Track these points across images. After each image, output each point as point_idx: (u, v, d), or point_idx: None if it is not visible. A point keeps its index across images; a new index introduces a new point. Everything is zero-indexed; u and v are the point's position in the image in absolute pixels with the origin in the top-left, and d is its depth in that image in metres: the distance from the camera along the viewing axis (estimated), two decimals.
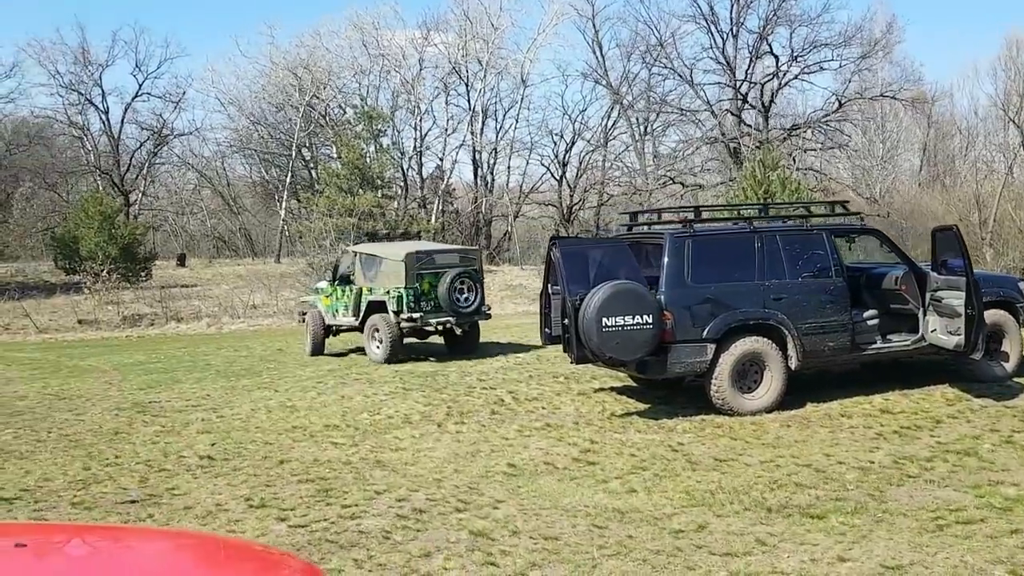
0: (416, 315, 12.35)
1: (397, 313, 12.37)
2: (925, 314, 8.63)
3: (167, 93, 46.03)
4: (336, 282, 13.72)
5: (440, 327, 12.89)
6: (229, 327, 20.49)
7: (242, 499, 6.16)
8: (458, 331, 13.21)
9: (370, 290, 12.92)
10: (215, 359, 14.04)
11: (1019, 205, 34.24)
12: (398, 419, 8.74)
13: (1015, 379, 8.87)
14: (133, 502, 6.17)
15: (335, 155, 33.61)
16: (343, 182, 27.39)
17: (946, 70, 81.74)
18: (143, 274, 30.07)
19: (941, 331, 8.33)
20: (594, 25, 38.94)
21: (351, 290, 13.23)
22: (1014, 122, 35.19)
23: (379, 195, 28.34)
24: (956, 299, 8.00)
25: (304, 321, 14.41)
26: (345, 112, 37.34)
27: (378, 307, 12.69)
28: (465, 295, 12.66)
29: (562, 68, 60.29)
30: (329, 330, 13.78)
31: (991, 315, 8.65)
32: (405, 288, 12.38)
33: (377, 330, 12.59)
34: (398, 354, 12.46)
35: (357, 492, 6.25)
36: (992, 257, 30.46)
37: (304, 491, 6.31)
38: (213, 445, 7.82)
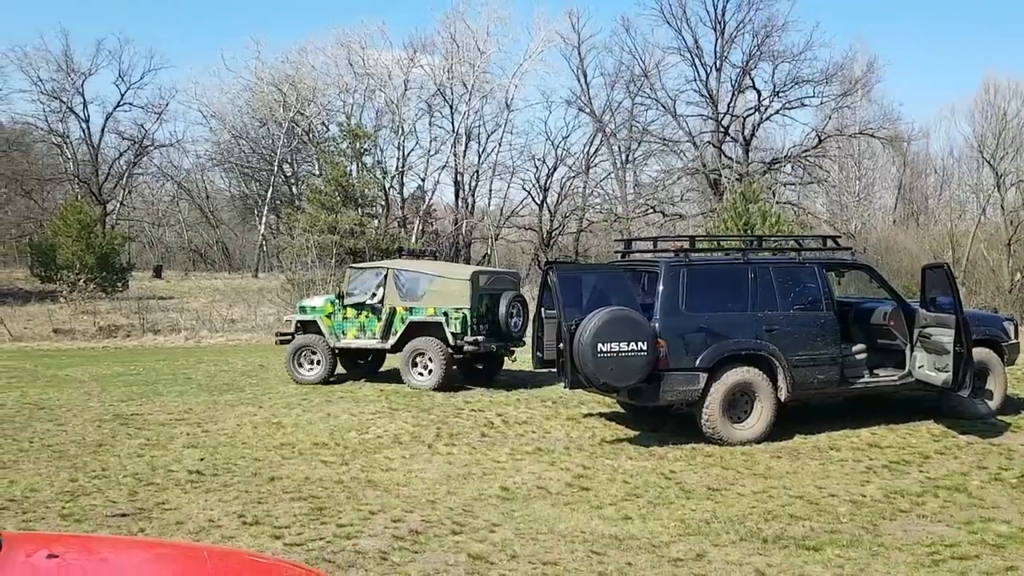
0: (479, 338, 11.76)
1: (457, 336, 11.75)
2: (912, 350, 8.75)
3: (149, 104, 45.86)
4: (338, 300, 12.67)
5: (493, 352, 12.28)
6: (208, 340, 20.28)
7: (235, 515, 6.09)
8: (510, 358, 12.72)
9: (409, 310, 12.14)
10: (195, 373, 13.89)
11: (991, 246, 34.85)
12: (387, 439, 8.69)
13: (999, 417, 9.00)
14: (124, 515, 6.07)
15: (317, 172, 33.55)
16: (325, 199, 27.31)
17: (923, 111, 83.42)
18: (120, 285, 29.75)
19: (929, 367, 8.44)
20: (579, 53, 39.37)
21: (374, 310, 12.31)
22: (989, 163, 35.89)
23: (361, 213, 28.29)
24: (945, 336, 8.12)
25: (283, 342, 13.04)
26: (329, 129, 37.36)
27: (422, 329, 11.99)
28: (514, 319, 12.23)
29: (546, 94, 60.82)
30: (335, 354, 12.59)
31: (977, 353, 8.77)
32: (470, 309, 11.83)
33: (422, 354, 11.81)
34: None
35: (351, 512, 6.19)
36: (965, 296, 30.90)
37: (297, 509, 6.24)
38: (202, 460, 7.72)
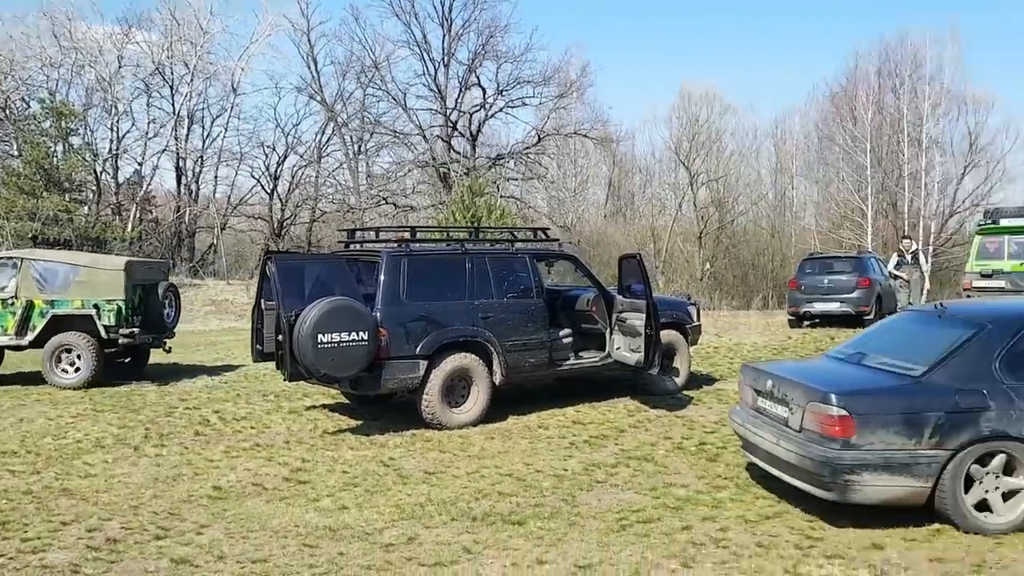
0: (135, 330, 11.27)
1: (110, 328, 11.14)
2: (611, 333, 9.54)
3: None
4: None
5: (149, 344, 11.94)
6: None
7: None
8: (164, 349, 12.31)
9: (51, 303, 11.31)
10: None
11: (686, 239, 38.75)
12: (88, 443, 8.03)
13: (684, 392, 10.06)
14: None
15: (15, 152, 29.99)
16: (24, 182, 24.56)
17: (630, 114, 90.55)
18: None
19: (625, 349, 9.25)
20: (309, 40, 38.41)
21: (4, 304, 11.29)
22: (683, 164, 39.81)
23: (67, 199, 25.75)
24: (638, 320, 8.93)
25: None
26: (29, 106, 33.43)
27: (68, 323, 11.24)
28: (166, 310, 12.00)
29: (276, 80, 58.56)
30: None
31: (665, 335, 9.75)
32: (125, 301, 11.26)
33: (69, 350, 11.14)
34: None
35: (40, 523, 5.67)
36: (664, 283, 34.08)
37: None
38: None
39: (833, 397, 5.35)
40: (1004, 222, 16.19)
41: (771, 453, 5.88)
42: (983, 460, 5.31)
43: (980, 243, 16.44)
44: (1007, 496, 5.34)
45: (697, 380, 10.85)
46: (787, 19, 69.51)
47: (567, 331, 9.77)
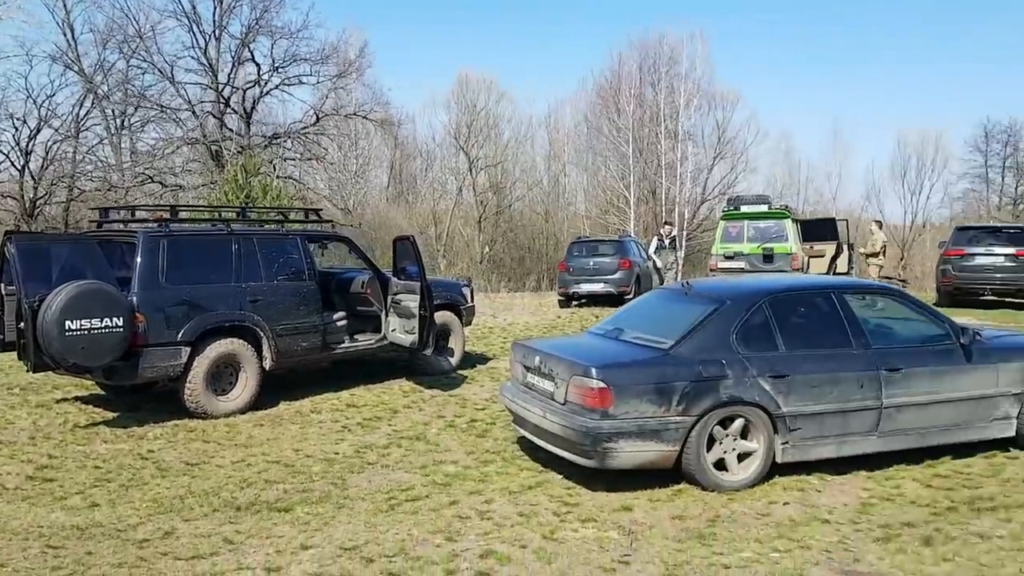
0: None
1: None
2: (387, 315, 9.55)
3: None
4: None
5: None
6: None
7: None
8: None
9: None
10: None
11: (467, 223, 39.41)
12: None
13: (459, 371, 10.27)
14: None
15: None
16: None
17: (411, 97, 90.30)
18: None
19: (400, 330, 9.29)
20: (65, 6, 34.98)
21: None
22: (463, 150, 40.38)
23: None
24: (412, 301, 8.99)
25: None
26: None
27: None
28: None
29: (27, 47, 52.76)
30: None
31: (440, 316, 9.91)
32: None
33: None
34: None
35: None
36: (446, 266, 34.55)
37: None
38: None
39: (593, 371, 5.68)
40: (745, 209, 17.86)
41: (539, 426, 6.15)
42: (723, 424, 5.84)
43: (724, 228, 18.03)
44: (742, 457, 5.92)
45: (472, 359, 11.11)
46: (559, 11, 72.25)
47: (341, 314, 9.66)
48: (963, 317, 8.48)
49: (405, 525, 5.24)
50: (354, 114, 37.97)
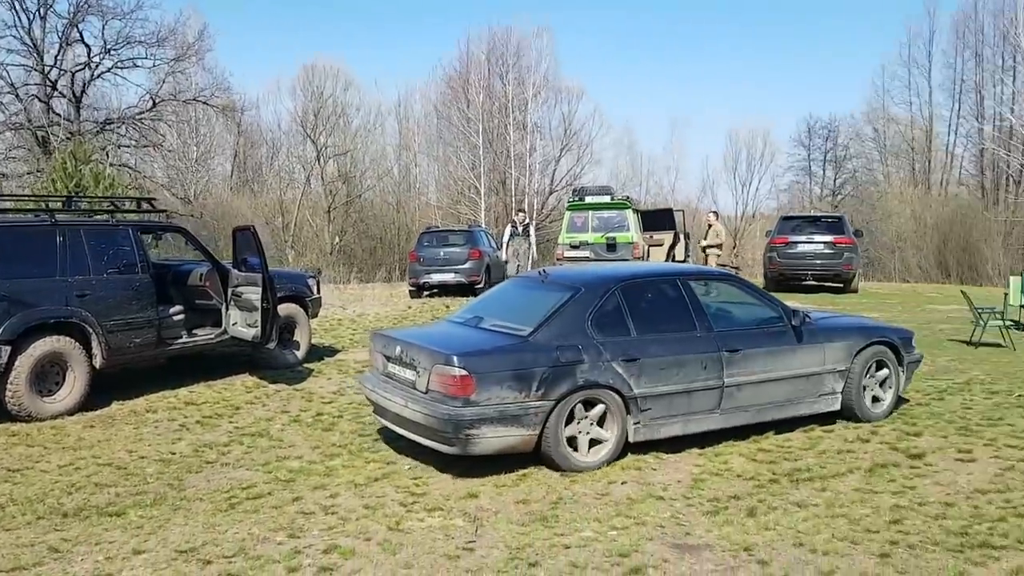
0: None
1: None
2: (228, 309, 9.22)
3: None
4: None
5: None
6: None
7: None
8: None
9: None
10: None
11: (315, 213, 38.57)
12: None
13: (305, 365, 10.06)
14: None
15: None
16: None
17: (254, 83, 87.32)
18: None
19: (241, 324, 9.00)
20: None
21: None
22: (310, 138, 39.44)
23: None
24: (254, 294, 8.72)
25: None
26: None
27: None
28: None
29: None
30: None
31: (285, 308, 9.67)
32: None
33: None
34: None
35: None
36: (294, 257, 33.71)
37: None
38: None
39: (455, 359, 5.72)
40: (589, 199, 18.39)
41: (400, 415, 6.14)
42: (580, 407, 6.02)
43: (569, 218, 18.51)
44: (597, 439, 6.13)
45: (319, 352, 10.91)
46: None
47: (178, 308, 9.27)
48: (789, 301, 9.07)
49: (245, 524, 5.09)
50: (194, 99, 36.30)
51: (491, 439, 5.75)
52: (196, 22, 38.94)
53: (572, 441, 6.03)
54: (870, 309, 14.87)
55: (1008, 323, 11.48)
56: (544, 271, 7.22)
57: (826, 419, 7.21)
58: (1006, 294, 12.73)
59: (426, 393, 5.94)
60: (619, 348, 6.17)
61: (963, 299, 12.28)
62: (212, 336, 9.27)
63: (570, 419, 6.00)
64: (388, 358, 6.54)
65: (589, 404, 6.07)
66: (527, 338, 6.06)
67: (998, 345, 11.21)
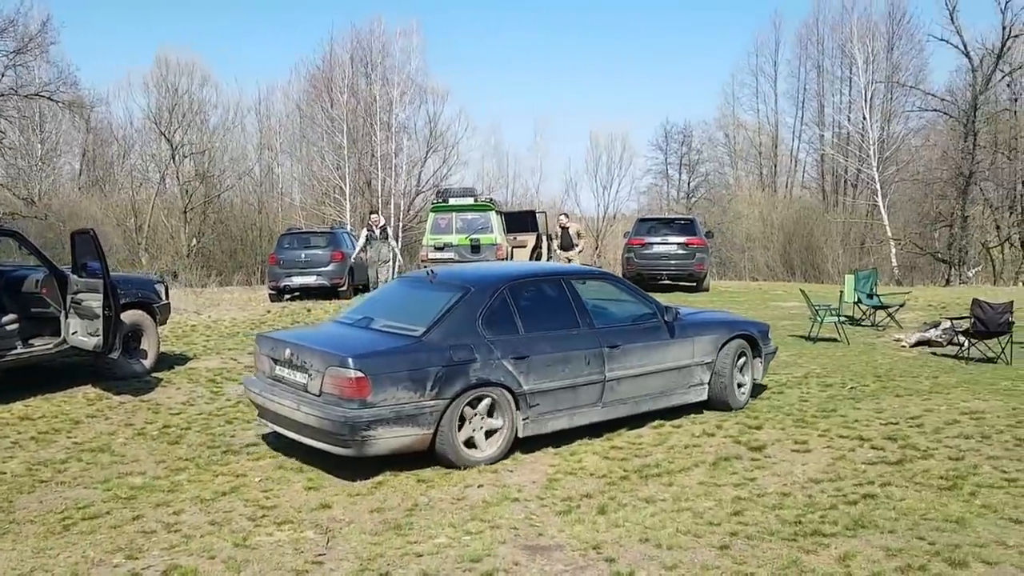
0: None
1: None
2: (67, 317, 8.70)
3: None
4: None
5: None
6: None
7: None
8: None
9: None
10: None
11: (171, 214, 36.96)
12: None
13: (153, 374, 9.60)
14: None
15: None
16: None
17: (103, 78, 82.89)
18: None
19: (82, 332, 8.51)
20: None
21: None
22: (164, 135, 37.75)
23: None
24: (96, 301, 8.26)
25: None
26: None
27: None
28: None
29: None
30: None
31: (130, 315, 9.22)
32: None
33: None
34: None
35: None
36: (148, 261, 32.19)
37: None
38: None
39: (350, 360, 5.68)
40: (453, 201, 18.44)
41: (291, 419, 6.02)
42: (472, 404, 6.10)
43: (434, 220, 18.50)
44: (489, 434, 6.23)
45: (169, 360, 10.45)
46: None
47: (12, 316, 8.67)
48: None
49: (80, 547, 4.81)
50: (37, 94, 34.01)
51: (387, 439, 5.75)
52: (39, 13, 36.62)
53: (469, 442, 6.12)
54: (720, 307, 15.54)
55: (843, 319, 12.26)
56: (432, 271, 7.27)
57: (678, 413, 7.50)
58: (841, 291, 13.60)
59: (319, 396, 5.86)
60: (509, 346, 6.30)
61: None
62: (50, 346, 8.72)
63: (461, 420, 6.06)
64: (276, 361, 6.39)
65: (478, 401, 6.15)
66: (420, 338, 6.09)
67: (834, 340, 11.94)
